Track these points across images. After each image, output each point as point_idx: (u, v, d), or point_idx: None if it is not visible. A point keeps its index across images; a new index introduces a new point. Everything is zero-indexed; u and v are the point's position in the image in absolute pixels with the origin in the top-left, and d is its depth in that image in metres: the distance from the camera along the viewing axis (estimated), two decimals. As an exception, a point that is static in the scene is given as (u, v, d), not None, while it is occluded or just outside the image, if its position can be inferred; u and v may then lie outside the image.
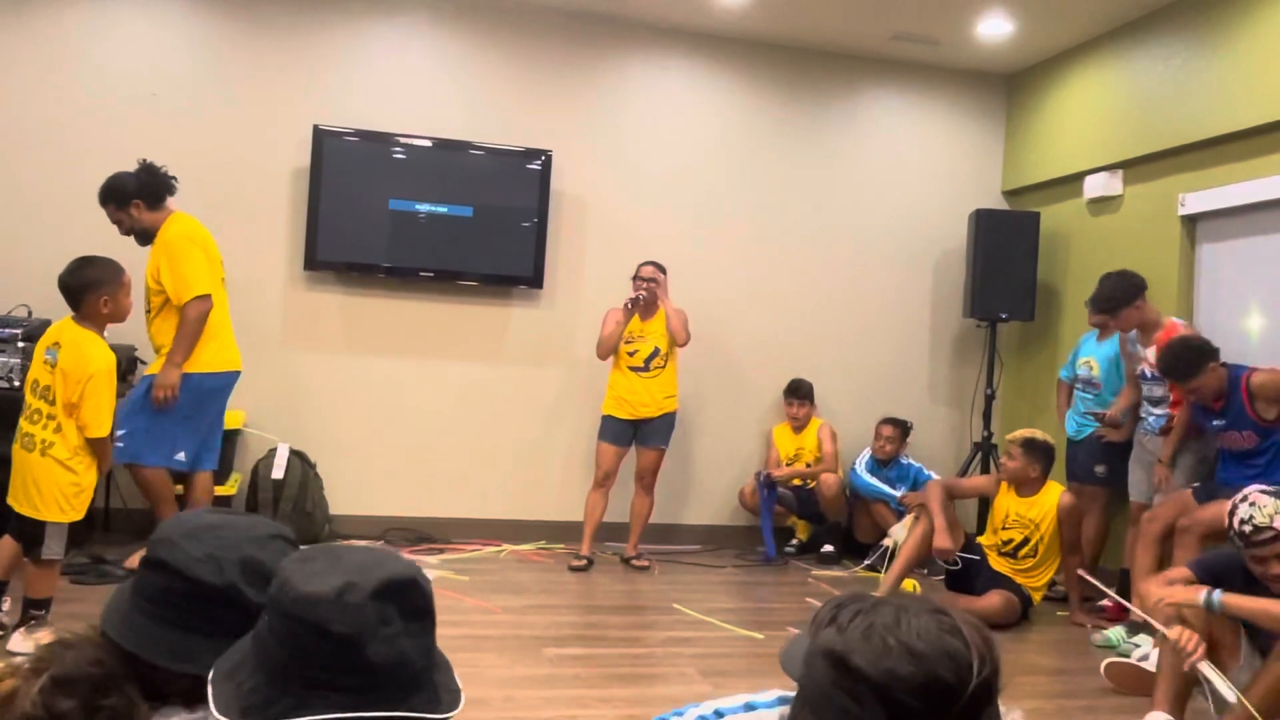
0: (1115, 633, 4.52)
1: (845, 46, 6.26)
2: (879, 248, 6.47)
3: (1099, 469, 5.19)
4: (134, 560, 4.39)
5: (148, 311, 4.58)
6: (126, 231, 4.56)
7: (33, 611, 3.51)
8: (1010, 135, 6.63)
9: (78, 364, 3.48)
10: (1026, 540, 4.89)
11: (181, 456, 4.53)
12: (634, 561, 5.48)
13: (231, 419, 5.31)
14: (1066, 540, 4.84)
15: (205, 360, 4.51)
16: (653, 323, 5.42)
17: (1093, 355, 5.36)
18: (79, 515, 3.56)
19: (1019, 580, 4.87)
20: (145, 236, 4.56)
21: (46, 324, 4.87)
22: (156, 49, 5.52)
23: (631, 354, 5.42)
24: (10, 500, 3.56)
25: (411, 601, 1.21)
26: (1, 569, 3.60)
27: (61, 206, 5.26)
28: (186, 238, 4.51)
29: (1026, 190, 6.50)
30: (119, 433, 4.26)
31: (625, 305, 5.35)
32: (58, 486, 3.49)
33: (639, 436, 5.46)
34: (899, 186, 6.50)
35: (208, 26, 5.58)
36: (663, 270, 5.51)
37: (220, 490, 5.12)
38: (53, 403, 3.49)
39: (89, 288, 3.55)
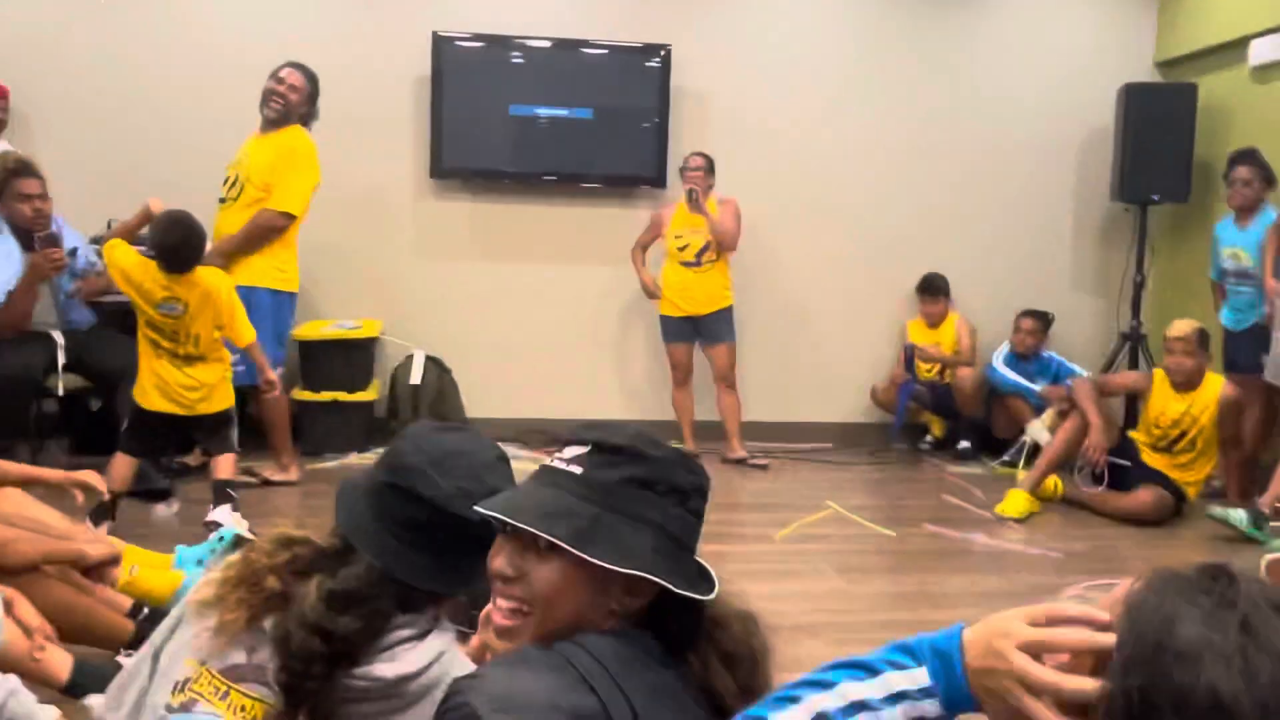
0: (1236, 514, 4.31)
1: (980, -86, 5.86)
2: (1018, 130, 6.13)
3: (1266, 357, 4.84)
4: (274, 471, 4.64)
5: (223, 200, 4.63)
6: (279, 101, 4.59)
7: (230, 491, 3.92)
8: (1164, 1, 6.13)
9: (212, 302, 3.88)
10: (1184, 434, 4.66)
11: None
12: (750, 461, 5.44)
13: (369, 327, 5.49)
14: (1227, 434, 4.60)
15: (288, 279, 4.71)
16: (699, 216, 5.29)
17: (1237, 245, 4.99)
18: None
19: (1173, 475, 4.67)
20: (278, 122, 4.62)
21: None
22: (278, -37, 5.56)
23: (682, 249, 5.36)
24: (162, 406, 3.88)
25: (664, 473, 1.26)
26: (120, 480, 3.87)
27: (190, 129, 5.39)
28: (314, 157, 4.62)
29: (1182, 60, 6.03)
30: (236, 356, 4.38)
31: (688, 198, 5.24)
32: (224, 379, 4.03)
33: (701, 336, 5.45)
34: (1039, 63, 6.11)
35: (325, -63, 5.58)
36: (712, 168, 5.35)
37: (361, 396, 5.32)
38: (197, 342, 3.89)
39: (198, 257, 3.89)
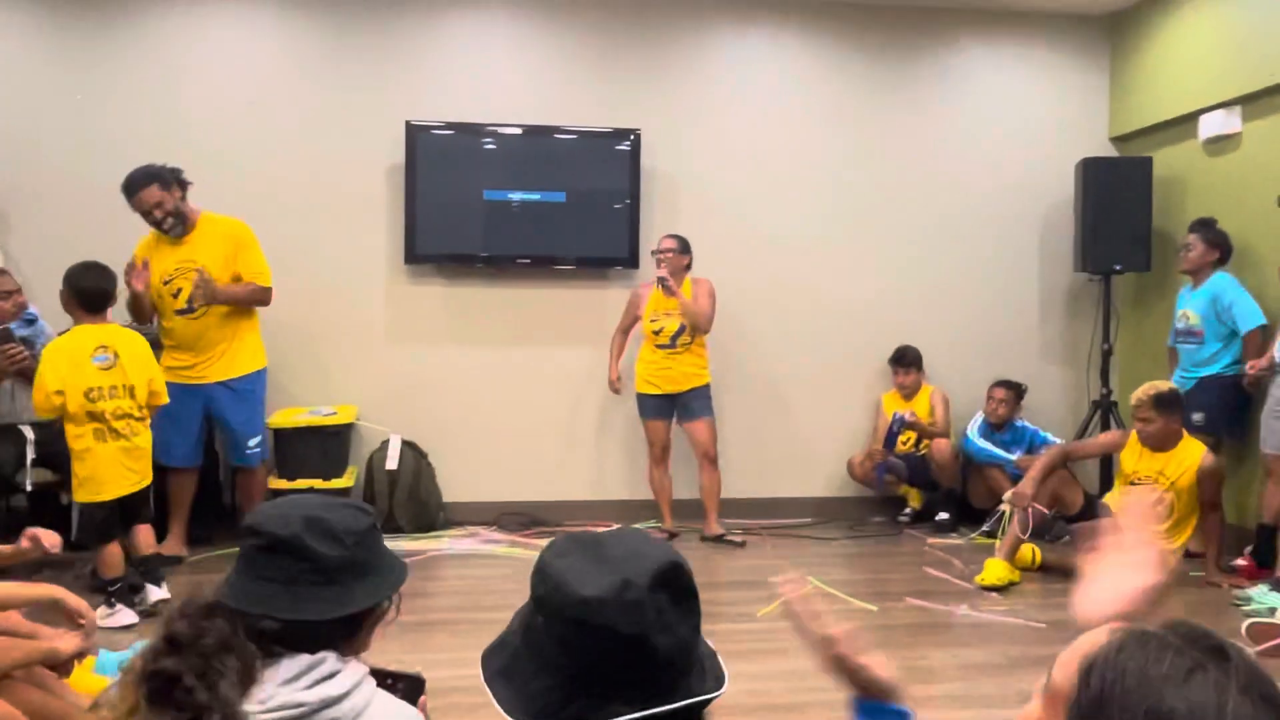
0: (1257, 591, 4.32)
1: None
2: (981, 205, 6.28)
3: (1196, 416, 4.91)
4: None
5: (189, 311, 4.66)
6: (165, 216, 4.60)
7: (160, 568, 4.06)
8: (1116, 78, 6.34)
9: (143, 354, 4.07)
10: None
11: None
12: (726, 537, 5.42)
13: (345, 413, 5.47)
14: (1208, 499, 4.59)
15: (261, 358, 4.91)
16: (674, 300, 5.34)
17: (1187, 306, 5.20)
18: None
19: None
20: (184, 226, 4.67)
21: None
22: (251, 58, 5.66)
23: (657, 332, 5.41)
24: (121, 489, 4.00)
25: (679, 585, 1.21)
26: (118, 566, 3.98)
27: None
28: (251, 232, 4.76)
29: (1136, 135, 6.22)
30: (257, 439, 4.60)
31: (659, 284, 5.28)
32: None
33: (680, 413, 5.46)
34: (999, 140, 6.28)
35: (297, 34, 5.70)
36: (685, 248, 5.41)
37: (337, 483, 5.27)
38: (133, 395, 4.01)
39: (114, 292, 4.12)
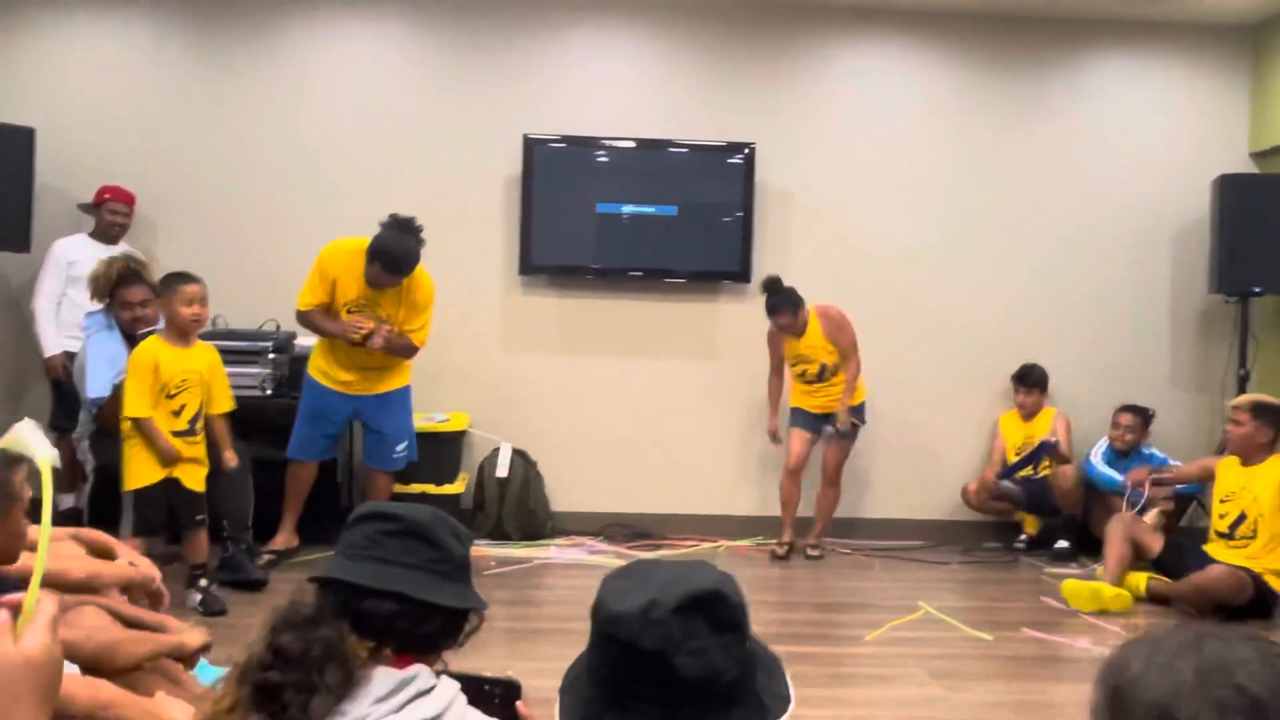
0: None
1: (1062, 9, 5.88)
2: (1111, 222, 6.04)
3: None
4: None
5: (361, 345, 4.69)
6: (384, 288, 4.63)
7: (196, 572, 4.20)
8: (1257, 91, 6.03)
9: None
10: (1244, 516, 4.47)
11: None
12: (808, 551, 5.45)
13: (457, 420, 5.57)
14: None
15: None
16: (806, 339, 5.35)
17: None
18: None
19: (1242, 565, 4.46)
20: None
21: (293, 336, 5.27)
22: (377, 69, 5.83)
23: (800, 374, 5.45)
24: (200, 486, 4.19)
25: (718, 614, 1.23)
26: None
27: (297, 225, 5.62)
28: (433, 296, 4.86)
29: (1277, 151, 5.90)
30: (404, 443, 4.96)
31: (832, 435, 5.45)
32: None
33: (827, 431, 5.48)
34: (1130, 156, 6.04)
35: (422, 47, 5.85)
36: (791, 305, 5.26)
37: (449, 489, 5.38)
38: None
39: None
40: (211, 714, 1.41)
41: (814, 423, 5.49)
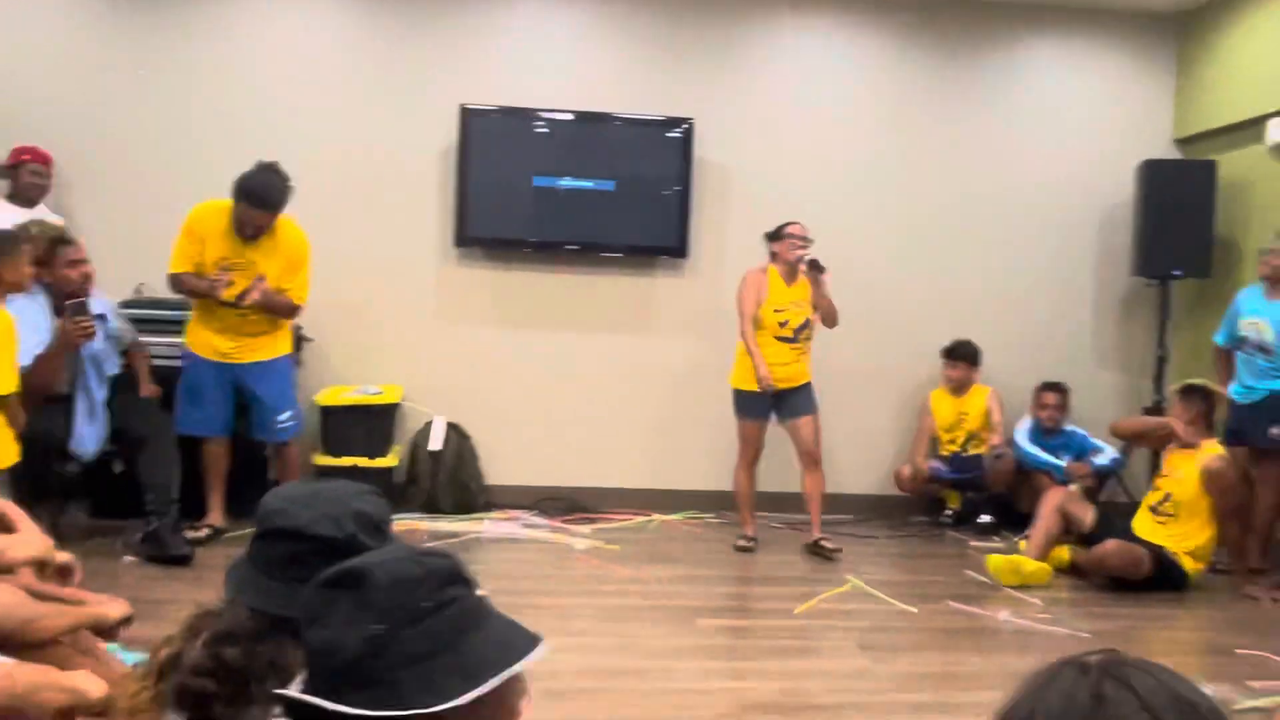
0: None
1: (998, -6, 5.96)
2: (1040, 205, 6.16)
3: (1275, 430, 4.71)
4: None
5: (235, 305, 4.57)
6: (256, 231, 4.56)
7: None
8: (1182, 79, 6.18)
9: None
10: (1168, 497, 4.66)
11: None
12: (823, 543, 5.15)
13: (390, 393, 5.51)
14: (1218, 508, 4.56)
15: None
16: (797, 288, 5.16)
17: (1261, 316, 4.81)
18: None
19: (1159, 543, 4.62)
20: (259, 233, 4.63)
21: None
22: (308, 38, 5.70)
23: (782, 324, 5.13)
24: None
25: (369, 594, 1.16)
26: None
27: (222, 191, 5.45)
28: (309, 252, 4.76)
29: (1201, 138, 6.07)
30: (288, 413, 4.69)
31: (810, 267, 5.06)
32: None
33: (786, 409, 5.19)
34: (1060, 139, 6.16)
35: (355, 15, 5.73)
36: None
37: (381, 462, 5.32)
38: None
39: None
40: (130, 706, 1.39)
41: (767, 407, 5.16)
